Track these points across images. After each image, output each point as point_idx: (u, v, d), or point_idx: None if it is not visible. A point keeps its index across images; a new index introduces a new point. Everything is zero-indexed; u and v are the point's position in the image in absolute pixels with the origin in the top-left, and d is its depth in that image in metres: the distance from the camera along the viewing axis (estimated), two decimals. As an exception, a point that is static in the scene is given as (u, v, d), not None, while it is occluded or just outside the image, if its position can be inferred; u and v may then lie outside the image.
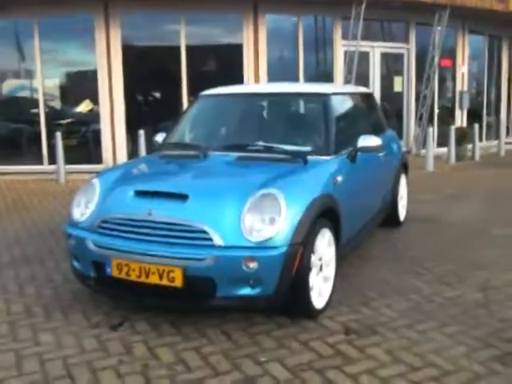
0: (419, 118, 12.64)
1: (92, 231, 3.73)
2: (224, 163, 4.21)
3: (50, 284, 4.50)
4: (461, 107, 13.86)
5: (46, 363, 3.20)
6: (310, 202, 3.59)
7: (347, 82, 11.21)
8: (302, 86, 6.38)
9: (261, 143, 4.47)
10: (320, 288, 3.77)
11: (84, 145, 10.97)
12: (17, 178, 10.10)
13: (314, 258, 3.63)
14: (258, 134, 4.78)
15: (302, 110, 5.19)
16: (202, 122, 5.26)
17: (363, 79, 11.99)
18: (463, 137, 12.39)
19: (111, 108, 10.56)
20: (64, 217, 6.38)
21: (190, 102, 7.42)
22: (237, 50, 10.99)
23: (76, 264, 3.89)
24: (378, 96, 12.34)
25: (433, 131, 11.44)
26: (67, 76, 11.39)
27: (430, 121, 12.91)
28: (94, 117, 10.82)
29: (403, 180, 6.31)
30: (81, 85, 11.53)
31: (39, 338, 3.52)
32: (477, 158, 12.50)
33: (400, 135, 12.59)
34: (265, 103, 5.15)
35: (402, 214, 6.30)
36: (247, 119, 5.11)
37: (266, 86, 6.53)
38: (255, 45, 10.93)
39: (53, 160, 10.10)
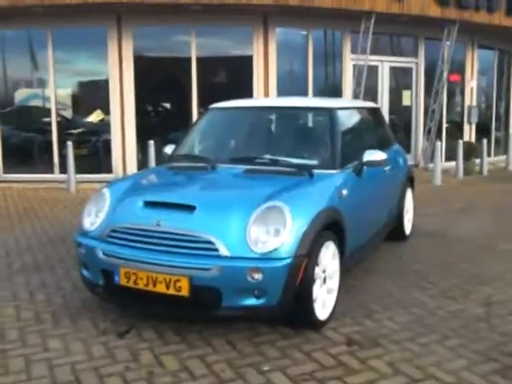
0: (427, 132, 12.69)
1: (101, 240, 3.82)
2: (231, 175, 4.29)
3: (60, 291, 4.58)
4: (469, 122, 13.90)
5: (55, 368, 3.28)
6: (315, 215, 3.66)
7: (356, 95, 11.29)
8: (309, 101, 6.46)
9: (268, 156, 4.55)
10: (324, 300, 3.83)
11: (94, 154, 11.11)
12: (28, 187, 10.24)
13: (317, 270, 3.70)
14: (265, 147, 4.87)
15: (308, 124, 5.27)
16: (210, 134, 5.35)
17: (372, 93, 12.08)
18: (471, 151, 12.43)
19: (122, 118, 10.70)
20: (74, 225, 6.49)
21: (200, 115, 7.53)
22: (247, 63, 11.11)
23: (85, 272, 3.97)
24: (386, 110, 12.45)
25: (441, 145, 11.51)
26: (79, 86, 11.57)
27: (439, 135, 12.96)
28: (104, 127, 10.96)
29: (409, 194, 6.36)
30: (92, 95, 11.69)
31: (48, 344, 3.60)
32: (485, 172, 12.52)
33: (408, 149, 12.67)
34: (273, 117, 5.25)
35: (408, 227, 6.34)
36: (255, 132, 5.20)
37: (274, 100, 6.64)
38: (265, 57, 11.05)
39: (64, 169, 10.23)
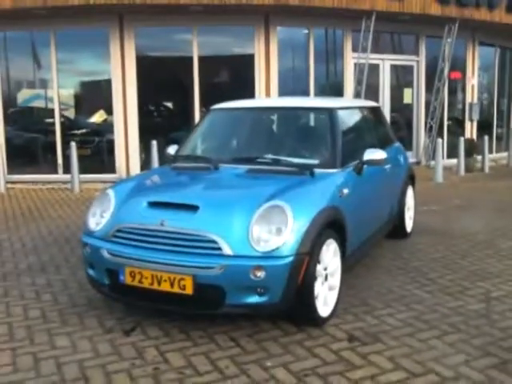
0: (429, 130, 12.74)
1: (107, 240, 3.89)
2: (234, 175, 4.36)
3: (66, 291, 4.66)
4: (471, 119, 13.94)
5: (63, 366, 3.35)
6: (316, 214, 3.73)
7: (357, 93, 11.35)
8: (310, 101, 6.53)
9: (270, 156, 4.62)
10: (325, 297, 3.90)
11: (97, 155, 11.18)
12: (32, 187, 10.33)
13: (319, 268, 3.77)
14: (267, 147, 4.93)
15: (309, 124, 5.34)
16: (213, 135, 5.42)
17: (373, 91, 12.13)
18: (473, 148, 12.48)
19: (125, 118, 10.77)
20: (78, 225, 6.58)
21: (202, 116, 7.59)
22: (248, 61, 11.16)
23: (91, 272, 4.05)
24: (387, 108, 12.50)
25: (442, 143, 11.55)
26: (82, 86, 11.64)
27: (440, 132, 13.00)
28: (107, 127, 11.03)
29: (410, 192, 6.42)
30: (95, 95, 11.76)
31: (55, 342, 3.68)
32: (486, 169, 12.56)
33: (410, 146, 12.73)
34: (274, 117, 5.32)
35: (409, 225, 6.40)
36: (257, 133, 5.27)
37: (275, 101, 6.70)
38: (266, 56, 11.11)
39: (67, 169, 10.31)
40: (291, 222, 3.56)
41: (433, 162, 11.76)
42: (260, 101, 7.37)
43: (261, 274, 3.44)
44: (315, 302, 3.73)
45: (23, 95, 11.44)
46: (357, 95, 11.29)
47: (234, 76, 12.00)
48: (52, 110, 10.98)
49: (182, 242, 3.62)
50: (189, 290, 3.53)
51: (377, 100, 11.85)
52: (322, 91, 11.83)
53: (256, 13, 10.69)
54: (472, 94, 13.92)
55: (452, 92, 13.79)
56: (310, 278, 3.64)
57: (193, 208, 3.72)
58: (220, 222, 3.62)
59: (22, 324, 3.98)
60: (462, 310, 4.18)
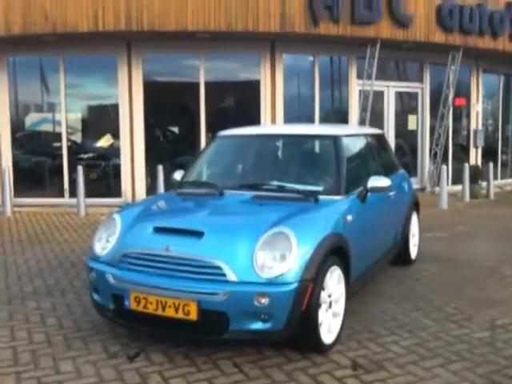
0: (433, 156, 12.78)
1: (112, 265, 3.92)
2: (239, 202, 4.40)
3: (71, 315, 4.68)
4: (475, 145, 13.99)
5: (66, 391, 3.36)
6: (321, 241, 3.76)
7: (362, 120, 11.42)
8: (314, 128, 6.60)
9: (275, 183, 4.67)
10: (329, 324, 3.91)
11: (104, 179, 11.25)
12: (39, 211, 10.37)
13: (323, 295, 3.78)
14: (272, 174, 4.97)
15: (314, 151, 5.38)
16: (218, 161, 5.48)
17: (378, 117, 12.21)
18: (478, 174, 12.50)
19: (131, 143, 10.85)
20: (84, 249, 6.61)
21: (208, 142, 7.66)
22: (254, 87, 11.27)
23: (96, 296, 4.07)
24: (392, 134, 12.57)
25: (447, 169, 11.57)
26: (89, 111, 11.75)
27: (445, 158, 13.04)
28: (114, 151, 11.10)
29: (415, 218, 6.43)
30: (102, 120, 11.86)
31: (60, 367, 3.69)
32: (491, 195, 12.55)
33: (414, 172, 12.76)
34: (279, 144, 5.37)
35: (414, 252, 6.39)
36: (262, 159, 5.32)
37: (281, 128, 6.78)
38: (272, 82, 11.21)
39: (74, 193, 10.36)
40: (295, 248, 3.59)
41: (437, 189, 11.77)
42: (265, 128, 7.44)
43: (265, 300, 3.46)
44: (319, 329, 3.74)
45: (31, 119, 11.55)
46: (362, 122, 11.36)
47: (240, 102, 12.10)
48: (59, 134, 11.08)
49: (187, 268, 3.64)
50: (193, 316, 3.54)
51: (382, 126, 11.92)
52: (326, 117, 11.91)
53: (262, 40, 10.82)
54: (477, 121, 13.99)
55: (456, 118, 13.87)
56: (314, 304, 3.65)
57: (198, 234, 3.75)
58: (225, 248, 3.65)
59: (27, 348, 4.00)
60: (467, 337, 4.18)
